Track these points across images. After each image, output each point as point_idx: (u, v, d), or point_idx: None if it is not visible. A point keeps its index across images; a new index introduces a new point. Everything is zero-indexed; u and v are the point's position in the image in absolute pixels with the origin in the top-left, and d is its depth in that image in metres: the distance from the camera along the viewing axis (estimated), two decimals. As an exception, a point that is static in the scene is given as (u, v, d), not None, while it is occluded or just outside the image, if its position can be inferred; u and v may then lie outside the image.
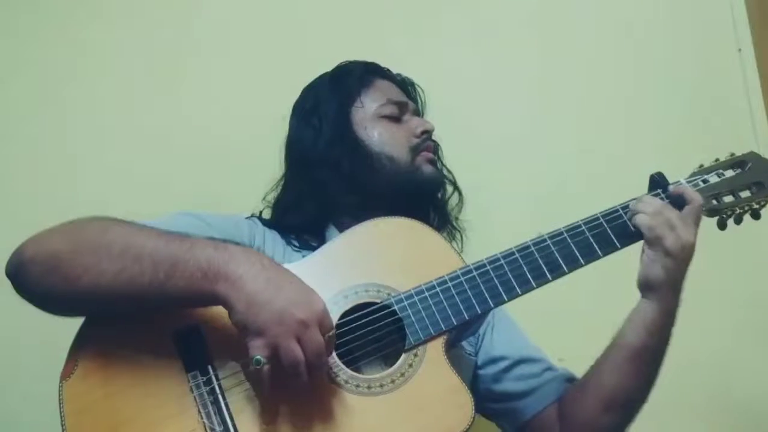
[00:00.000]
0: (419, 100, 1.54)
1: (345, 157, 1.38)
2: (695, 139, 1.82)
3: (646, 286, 1.23)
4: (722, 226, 1.32)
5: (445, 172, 1.53)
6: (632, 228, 1.24)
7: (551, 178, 1.80)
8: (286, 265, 1.17)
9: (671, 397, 1.29)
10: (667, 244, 1.20)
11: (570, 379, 1.37)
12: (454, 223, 1.50)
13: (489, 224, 1.54)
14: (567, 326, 1.67)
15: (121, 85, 1.82)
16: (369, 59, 1.52)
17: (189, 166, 1.76)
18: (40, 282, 1.08)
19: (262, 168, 1.50)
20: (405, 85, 1.52)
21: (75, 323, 1.14)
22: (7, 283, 1.11)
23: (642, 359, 1.24)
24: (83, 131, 1.79)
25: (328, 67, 1.52)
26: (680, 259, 1.21)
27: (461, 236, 1.49)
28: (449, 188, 1.52)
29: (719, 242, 1.33)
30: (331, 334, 1.08)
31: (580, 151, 1.83)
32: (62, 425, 1.07)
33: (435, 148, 1.48)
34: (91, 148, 1.78)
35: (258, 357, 1.04)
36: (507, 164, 1.82)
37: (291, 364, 1.05)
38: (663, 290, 1.22)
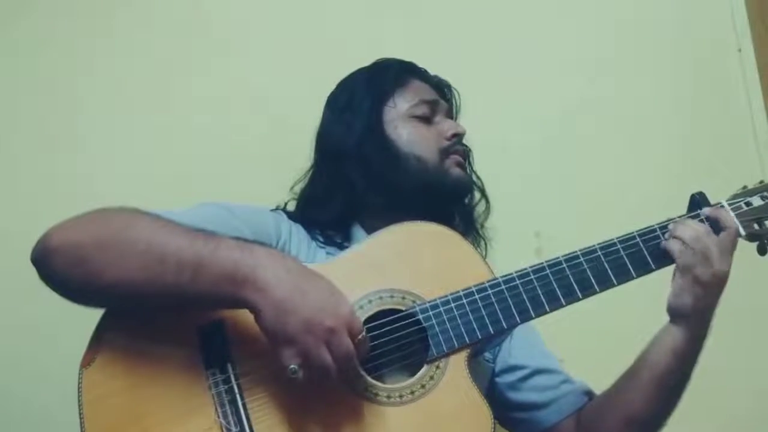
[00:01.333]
0: (454, 103, 1.51)
1: (373, 155, 1.36)
2: (695, 139, 1.83)
3: (675, 313, 1.21)
4: (763, 252, 1.28)
5: (474, 178, 1.50)
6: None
7: (551, 179, 1.80)
8: (312, 266, 1.16)
9: (691, 399, 1.28)
10: (698, 273, 1.17)
11: (587, 393, 1.36)
12: (480, 231, 1.47)
13: (513, 233, 1.52)
14: (567, 326, 1.65)
15: (140, 78, 1.81)
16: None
17: (210, 158, 1.76)
18: (63, 273, 1.07)
19: (285, 160, 1.48)
20: (441, 87, 1.49)
21: (98, 311, 1.13)
22: (31, 268, 1.10)
23: (668, 383, 1.23)
24: (102, 125, 1.79)
25: (354, 61, 1.49)
26: (711, 289, 1.18)
27: (486, 244, 1.46)
28: (477, 195, 1.49)
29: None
30: (361, 337, 1.08)
31: (579, 152, 1.82)
32: (80, 413, 1.08)
33: (465, 153, 1.46)
34: (110, 142, 1.78)
35: (293, 366, 1.04)
36: (517, 173, 1.82)
37: (321, 372, 1.05)
38: (692, 318, 1.20)
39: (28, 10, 1.83)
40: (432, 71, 1.50)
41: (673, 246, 1.19)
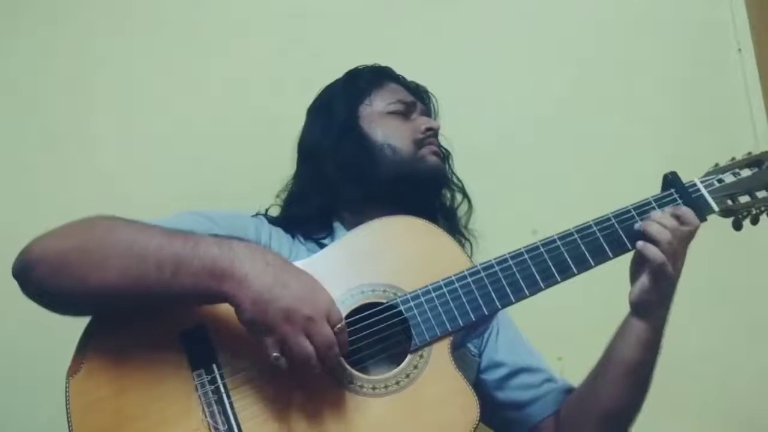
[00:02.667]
0: (432, 107, 1.54)
1: (349, 150, 1.39)
2: (695, 139, 1.82)
3: (641, 307, 1.23)
4: (738, 226, 1.29)
5: (455, 180, 1.53)
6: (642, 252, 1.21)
7: (551, 182, 1.80)
8: (295, 263, 1.17)
9: (666, 397, 1.29)
10: (669, 272, 1.19)
11: (568, 391, 1.36)
12: (463, 232, 1.49)
13: (498, 234, 1.53)
14: (567, 326, 1.67)
15: (128, 85, 1.83)
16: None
17: (194, 166, 1.77)
18: (47, 281, 1.08)
19: (269, 167, 1.50)
20: (418, 91, 1.52)
21: (83, 320, 1.14)
22: (13, 282, 1.11)
23: (638, 374, 1.25)
24: (72, 137, 1.81)
25: (338, 67, 1.52)
26: (675, 282, 1.22)
27: (471, 245, 1.48)
28: (458, 196, 1.52)
29: (712, 239, 1.31)
30: (340, 325, 1.09)
31: (579, 152, 1.83)
32: (68, 422, 1.08)
33: (445, 156, 1.50)
34: (93, 148, 1.80)
35: (276, 354, 1.06)
36: (514, 172, 1.82)
37: (302, 359, 1.06)
38: (657, 309, 1.23)
39: (29, 11, 1.86)
40: (431, 71, 1.53)
41: (651, 252, 1.19)
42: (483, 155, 1.79)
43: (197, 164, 1.77)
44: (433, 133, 1.45)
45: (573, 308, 1.63)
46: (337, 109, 1.44)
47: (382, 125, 1.42)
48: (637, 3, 1.92)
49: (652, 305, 1.22)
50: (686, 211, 1.23)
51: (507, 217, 1.73)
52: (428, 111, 1.53)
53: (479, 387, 1.36)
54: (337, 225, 1.40)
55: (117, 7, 1.88)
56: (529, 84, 1.87)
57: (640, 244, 1.21)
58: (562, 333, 1.58)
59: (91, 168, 1.79)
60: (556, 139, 1.84)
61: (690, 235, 1.22)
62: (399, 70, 1.54)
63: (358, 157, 1.39)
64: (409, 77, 1.54)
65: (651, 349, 1.23)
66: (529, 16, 1.90)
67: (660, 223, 1.20)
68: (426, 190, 1.43)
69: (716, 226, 1.30)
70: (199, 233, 1.12)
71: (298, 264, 1.17)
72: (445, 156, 1.52)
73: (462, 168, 1.58)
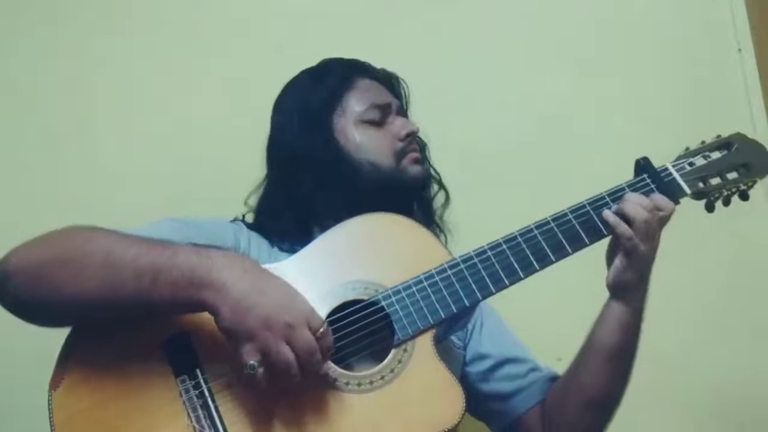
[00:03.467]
0: (403, 95, 1.49)
1: (326, 165, 1.35)
2: (695, 139, 1.80)
3: (618, 289, 1.24)
4: (710, 208, 1.31)
5: (432, 171, 1.49)
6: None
7: (550, 181, 1.79)
8: (274, 264, 1.18)
9: (649, 391, 1.30)
10: (641, 250, 1.20)
11: (554, 379, 1.36)
12: (439, 223, 1.47)
13: (476, 225, 1.53)
14: (565, 325, 1.65)
15: (128, 85, 1.83)
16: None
17: (194, 166, 1.77)
18: (24, 292, 1.07)
19: (243, 171, 1.48)
20: (389, 81, 1.47)
21: (63, 331, 1.13)
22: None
23: (619, 359, 1.25)
24: (72, 136, 1.81)
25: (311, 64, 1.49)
26: (650, 262, 1.23)
27: (446, 237, 1.45)
28: (435, 187, 1.49)
29: (693, 231, 1.33)
30: (322, 330, 1.08)
31: (578, 152, 1.83)
32: (52, 435, 1.07)
33: (422, 147, 1.46)
34: (79, 152, 1.80)
35: (252, 362, 1.05)
36: (496, 164, 1.81)
37: (283, 367, 1.05)
38: (634, 291, 1.24)
39: (29, 11, 1.86)
40: (430, 71, 1.53)
41: (623, 230, 1.21)
42: (483, 155, 1.80)
43: (197, 164, 1.77)
44: (412, 138, 1.40)
45: (572, 309, 1.61)
46: (310, 116, 1.38)
47: (359, 138, 1.36)
48: (637, 3, 1.92)
49: (628, 286, 1.23)
50: (660, 198, 1.24)
51: (507, 217, 1.72)
52: (402, 106, 1.48)
53: (464, 379, 1.36)
54: (317, 233, 1.32)
55: (117, 7, 1.88)
56: (529, 83, 1.87)
57: (612, 219, 1.22)
58: (561, 334, 1.58)
59: (92, 168, 1.79)
60: (556, 139, 1.84)
61: (665, 219, 1.24)
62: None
63: (336, 172, 1.34)
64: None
65: (631, 332, 1.24)
66: (529, 16, 1.90)
67: (636, 202, 1.22)
68: (409, 198, 1.40)
69: (708, 221, 1.32)
70: (177, 242, 1.11)
71: (277, 265, 1.17)
72: (424, 157, 1.47)
73: (460, 167, 1.58)
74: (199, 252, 1.09)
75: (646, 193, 1.25)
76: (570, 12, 1.91)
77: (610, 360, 1.24)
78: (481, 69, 1.87)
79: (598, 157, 1.81)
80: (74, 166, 1.79)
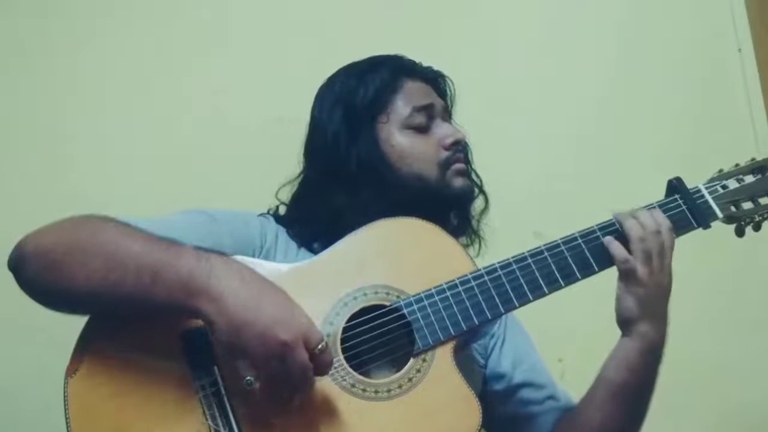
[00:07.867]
0: (448, 93, 1.43)
1: (367, 177, 1.30)
2: (695, 140, 1.84)
3: (622, 322, 1.20)
4: (740, 233, 1.30)
5: (474, 177, 1.42)
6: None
7: (552, 183, 1.80)
8: (294, 266, 1.17)
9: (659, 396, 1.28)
10: (639, 274, 1.17)
11: (569, 409, 1.33)
12: (476, 228, 1.40)
13: (498, 235, 1.52)
14: (567, 326, 1.66)
15: (127, 81, 1.82)
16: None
17: (193, 166, 1.77)
18: (37, 279, 1.08)
19: (269, 167, 1.47)
20: (435, 80, 1.41)
21: (82, 319, 1.13)
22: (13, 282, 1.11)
23: (623, 397, 1.21)
24: (90, 127, 1.80)
25: (334, 63, 1.44)
26: (654, 289, 1.17)
27: (480, 242, 1.39)
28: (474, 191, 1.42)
29: (704, 239, 1.32)
30: (321, 346, 1.05)
31: (578, 152, 1.83)
32: (67, 423, 1.07)
33: (466, 155, 1.39)
34: (96, 144, 1.79)
35: (248, 378, 1.04)
36: (515, 173, 1.81)
37: (276, 386, 1.05)
38: (640, 325, 1.18)
39: (30, 11, 1.85)
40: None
41: (616, 249, 1.18)
42: (483, 155, 1.78)
43: (196, 164, 1.76)
44: (457, 147, 1.35)
45: (574, 310, 1.63)
46: (353, 120, 1.32)
47: (403, 145, 1.31)
48: (637, 4, 1.92)
49: (631, 317, 1.18)
50: (657, 213, 1.21)
51: (507, 218, 1.72)
52: (447, 108, 1.42)
53: (484, 398, 1.31)
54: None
55: (116, 6, 1.86)
56: (529, 84, 1.87)
57: (606, 239, 1.20)
58: (563, 335, 1.59)
59: (92, 168, 1.78)
60: (556, 140, 1.84)
61: (667, 241, 1.19)
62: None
63: (378, 182, 1.30)
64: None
65: (637, 371, 1.19)
66: (529, 18, 1.90)
67: (636, 218, 1.19)
68: (452, 211, 1.36)
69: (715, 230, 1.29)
70: (183, 244, 1.09)
71: (298, 265, 1.16)
72: (468, 164, 1.40)
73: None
74: (200, 256, 1.07)
75: (675, 216, 1.23)
76: (569, 14, 1.91)
77: (614, 397, 1.21)
78: (478, 70, 1.86)
79: (598, 157, 1.82)
80: (74, 167, 1.78)
